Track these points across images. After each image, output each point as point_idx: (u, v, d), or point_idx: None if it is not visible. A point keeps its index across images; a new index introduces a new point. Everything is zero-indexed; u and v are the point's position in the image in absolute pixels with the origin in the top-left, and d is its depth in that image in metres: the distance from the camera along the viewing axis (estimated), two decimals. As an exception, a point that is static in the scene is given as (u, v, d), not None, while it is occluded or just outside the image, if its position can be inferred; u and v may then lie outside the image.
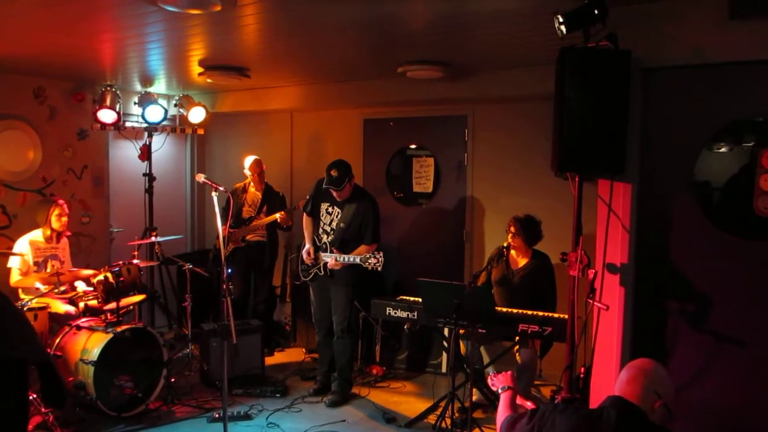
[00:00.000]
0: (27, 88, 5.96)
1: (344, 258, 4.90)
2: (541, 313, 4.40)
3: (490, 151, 6.05)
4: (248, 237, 6.31)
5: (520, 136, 5.82)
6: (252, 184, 6.37)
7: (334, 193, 5.00)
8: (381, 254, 4.74)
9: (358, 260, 4.80)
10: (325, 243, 5.10)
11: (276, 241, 6.54)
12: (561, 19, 3.04)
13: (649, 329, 3.57)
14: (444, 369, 5.78)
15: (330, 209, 5.14)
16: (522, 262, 4.87)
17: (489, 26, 3.85)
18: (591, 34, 3.10)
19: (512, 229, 4.80)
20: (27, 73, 5.83)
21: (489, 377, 3.04)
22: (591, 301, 3.32)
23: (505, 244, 4.84)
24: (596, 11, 3.02)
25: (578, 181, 3.31)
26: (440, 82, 5.43)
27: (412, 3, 3.47)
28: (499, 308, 4.56)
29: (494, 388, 2.86)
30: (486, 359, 4.94)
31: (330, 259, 4.96)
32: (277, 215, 6.12)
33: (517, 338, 4.64)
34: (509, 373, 2.88)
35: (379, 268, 4.73)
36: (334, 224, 5.08)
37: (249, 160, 6.36)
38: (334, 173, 4.92)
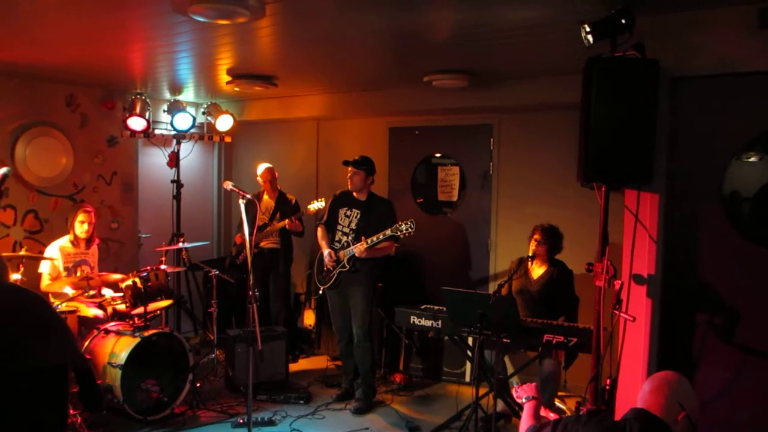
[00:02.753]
0: (59, 96, 6.10)
1: (371, 240, 4.93)
2: (566, 324, 4.36)
3: (515, 160, 6.03)
4: (263, 244, 6.34)
5: (545, 145, 5.79)
6: (265, 192, 6.41)
7: (349, 182, 5.16)
8: (411, 219, 4.77)
9: (389, 233, 4.83)
10: (346, 242, 5.14)
11: (290, 247, 6.56)
12: (588, 29, 3.03)
13: (676, 341, 3.52)
14: (467, 378, 5.76)
15: (348, 212, 5.21)
16: (540, 271, 4.85)
17: (515, 35, 3.85)
18: (618, 43, 3.08)
19: (536, 236, 4.78)
20: (59, 81, 5.96)
21: (513, 388, 3.02)
22: (617, 312, 3.28)
23: (530, 253, 4.81)
24: (623, 20, 3.01)
25: (604, 191, 3.29)
26: (466, 91, 5.43)
27: (437, 13, 3.48)
28: (524, 318, 4.54)
29: (518, 400, 2.85)
30: (510, 369, 4.91)
31: (358, 246, 4.99)
32: (286, 221, 6.14)
33: (541, 348, 4.60)
34: (533, 384, 2.87)
35: (412, 232, 4.77)
36: (353, 224, 5.15)
37: (261, 168, 6.40)
38: (357, 157, 5.17)
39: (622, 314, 3.28)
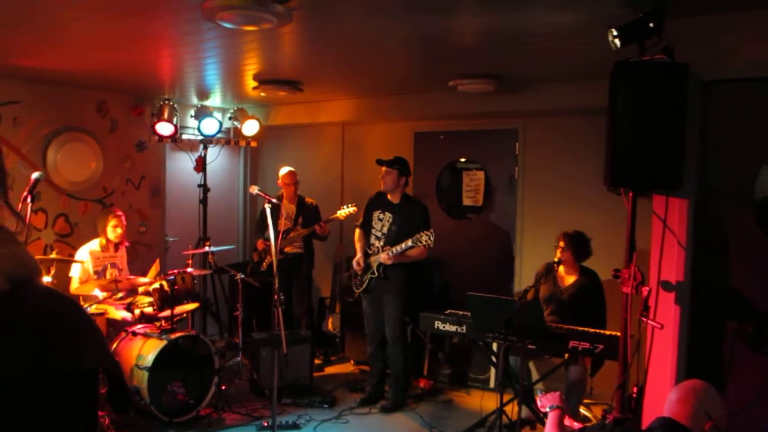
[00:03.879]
0: (90, 102, 6.20)
1: (395, 250, 4.96)
2: (592, 330, 4.32)
3: (541, 165, 5.99)
4: (286, 249, 6.36)
5: (572, 150, 5.74)
6: (285, 196, 6.43)
7: (382, 182, 5.18)
8: (431, 230, 4.78)
9: (410, 243, 4.86)
10: (377, 248, 5.16)
11: (313, 252, 6.58)
12: (615, 33, 3.00)
13: (705, 349, 3.46)
14: (492, 384, 5.72)
15: (381, 215, 5.23)
16: (570, 279, 4.80)
17: (541, 40, 3.83)
18: (646, 47, 3.05)
19: (561, 243, 4.74)
20: (90, 87, 6.07)
21: (538, 397, 3.00)
22: (644, 320, 3.24)
23: (556, 259, 4.77)
24: (652, 24, 2.97)
25: (632, 196, 3.25)
26: (491, 96, 5.41)
27: (463, 18, 3.48)
28: (550, 324, 4.50)
29: (542, 409, 2.83)
30: (535, 375, 4.87)
31: (382, 254, 5.01)
32: (316, 227, 6.16)
33: (567, 355, 4.56)
34: (557, 392, 2.84)
35: (431, 244, 4.78)
36: (385, 228, 5.16)
37: (283, 171, 6.41)
38: (390, 157, 5.20)
39: (649, 321, 3.24)
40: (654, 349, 3.43)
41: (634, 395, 3.25)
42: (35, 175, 4.15)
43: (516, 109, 5.64)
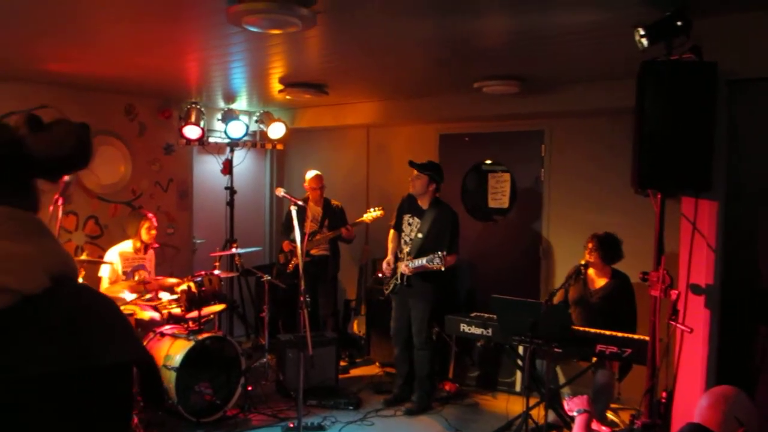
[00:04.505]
0: (119, 106, 6.30)
1: (413, 263, 4.97)
2: (620, 334, 4.26)
3: (567, 166, 5.94)
4: (312, 251, 6.39)
5: (599, 151, 5.68)
6: (311, 199, 6.46)
7: (411, 185, 5.18)
8: (443, 253, 4.76)
9: (424, 262, 4.86)
10: (405, 254, 5.17)
11: (338, 255, 6.61)
12: (642, 32, 2.97)
13: (735, 353, 3.39)
14: (518, 388, 5.68)
15: (410, 220, 5.24)
16: (601, 282, 4.75)
17: (567, 40, 3.80)
18: (674, 46, 3.01)
19: (590, 245, 4.69)
20: (119, 91, 6.16)
21: (564, 400, 2.97)
22: (673, 323, 3.19)
23: (582, 262, 4.73)
24: (679, 23, 2.93)
25: (660, 198, 3.21)
26: (516, 97, 5.38)
27: (487, 19, 3.46)
28: (577, 327, 4.45)
29: (570, 413, 2.80)
30: (562, 379, 4.82)
31: (402, 265, 5.03)
32: (343, 230, 6.18)
33: (594, 359, 4.51)
34: (585, 396, 2.81)
35: (442, 268, 4.77)
36: (413, 234, 5.16)
37: (310, 174, 6.44)
38: (425, 161, 5.19)
39: (678, 325, 3.19)
40: (683, 353, 3.37)
41: (663, 400, 3.20)
42: (66, 178, 4.22)
43: (541, 111, 5.60)
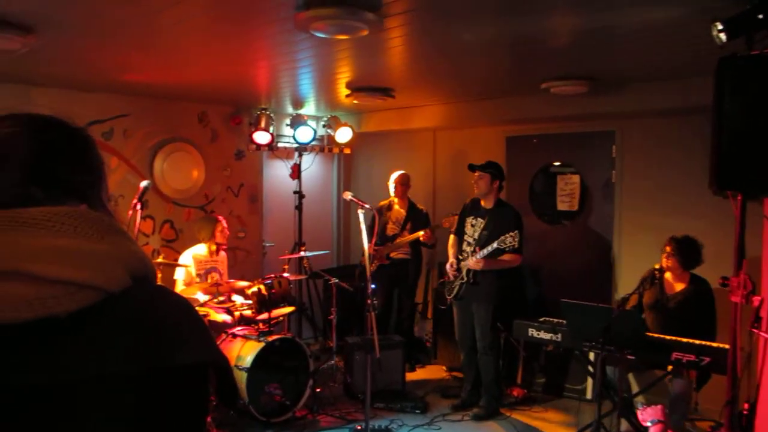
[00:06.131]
0: (192, 113, 6.52)
1: (482, 253, 4.93)
2: (698, 342, 4.09)
3: (640, 168, 5.75)
4: (393, 254, 6.42)
5: (673, 151, 5.48)
6: (396, 201, 6.48)
7: (475, 186, 5.16)
8: (516, 232, 4.71)
9: (495, 245, 4.83)
10: (468, 253, 5.14)
11: (420, 259, 6.61)
12: (720, 27, 2.85)
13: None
14: (589, 395, 5.54)
15: (474, 221, 5.21)
16: (678, 286, 4.57)
17: (640, 38, 3.69)
18: (755, 40, 2.87)
19: (667, 249, 4.52)
20: (193, 99, 6.37)
21: (638, 410, 2.88)
22: (756, 331, 3.04)
23: (657, 266, 4.57)
24: (761, 16, 2.80)
25: (740, 200, 3.07)
26: (586, 97, 5.25)
27: (557, 18, 3.40)
28: (651, 334, 4.31)
29: (644, 423, 2.71)
30: (635, 388, 4.67)
31: (470, 259, 4.98)
32: (421, 233, 6.18)
33: (670, 367, 4.35)
34: (660, 406, 2.71)
35: (516, 245, 4.76)
36: (476, 234, 5.13)
37: (395, 174, 6.48)
38: (482, 162, 5.19)
39: (761, 333, 3.04)
40: (766, 363, 3.21)
41: (745, 412, 3.05)
42: (144, 183, 4.39)
43: (612, 111, 5.44)
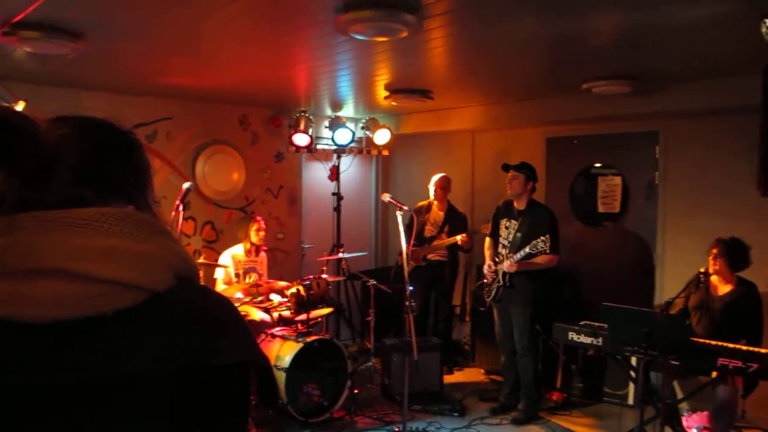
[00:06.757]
0: (234, 116, 6.61)
1: (516, 256, 4.91)
2: (744, 347, 3.98)
3: (684, 169, 5.62)
4: (429, 256, 6.40)
5: (719, 152, 5.34)
6: (435, 203, 6.47)
7: (508, 187, 5.13)
8: (547, 236, 4.69)
9: (527, 250, 4.81)
10: (503, 256, 5.11)
11: (457, 261, 6.59)
12: (769, 24, 2.78)
13: None
14: (631, 401, 5.43)
15: (507, 224, 5.18)
16: (725, 289, 4.45)
17: (686, 36, 3.60)
18: (806, 38, 2.79)
19: (714, 251, 4.41)
20: (234, 102, 6.47)
21: (683, 417, 2.82)
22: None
23: (701, 270, 4.46)
24: (812, 13, 2.72)
25: (790, 201, 2.98)
26: (628, 97, 5.16)
27: (601, 16, 3.35)
28: (696, 339, 4.20)
29: (688, 430, 2.65)
30: (679, 394, 4.57)
31: (505, 263, 4.96)
32: (458, 237, 6.15)
33: (715, 373, 4.24)
34: (705, 413, 2.65)
35: (547, 250, 4.72)
36: (511, 236, 5.09)
37: (436, 176, 6.46)
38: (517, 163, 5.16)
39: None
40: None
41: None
42: (186, 185, 4.47)
43: (655, 111, 5.33)
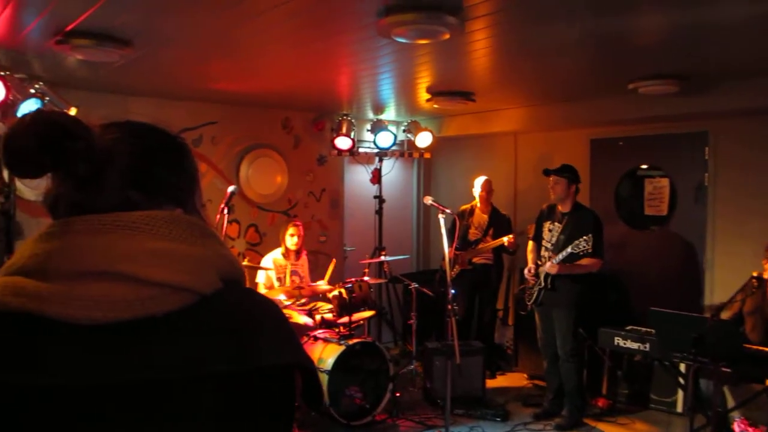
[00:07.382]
0: (276, 120, 6.69)
1: (557, 258, 4.85)
2: (800, 354, 3.85)
3: (735, 170, 5.45)
4: (475, 259, 6.37)
5: (773, 153, 5.17)
6: (479, 206, 6.43)
7: (551, 191, 5.08)
8: (590, 236, 4.60)
9: (569, 250, 4.73)
10: (546, 258, 5.05)
11: (502, 265, 6.54)
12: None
13: None
14: (679, 408, 5.29)
15: (551, 226, 5.12)
16: (780, 293, 4.32)
17: (736, 34, 3.50)
18: None
19: (768, 253, 4.28)
20: (276, 106, 6.55)
21: (735, 423, 2.73)
22: None
23: (755, 274, 4.32)
24: None
25: None
26: (676, 97, 5.03)
27: (647, 16, 3.28)
28: (749, 345, 4.08)
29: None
30: (731, 402, 4.43)
31: (548, 264, 4.90)
32: (505, 239, 6.10)
33: (769, 381, 4.10)
34: (763, 428, 2.56)
35: (589, 249, 4.63)
36: (554, 239, 5.02)
37: (480, 180, 6.43)
38: (559, 165, 5.10)
39: None
40: None
41: None
42: (230, 188, 4.53)
43: (704, 110, 5.18)
